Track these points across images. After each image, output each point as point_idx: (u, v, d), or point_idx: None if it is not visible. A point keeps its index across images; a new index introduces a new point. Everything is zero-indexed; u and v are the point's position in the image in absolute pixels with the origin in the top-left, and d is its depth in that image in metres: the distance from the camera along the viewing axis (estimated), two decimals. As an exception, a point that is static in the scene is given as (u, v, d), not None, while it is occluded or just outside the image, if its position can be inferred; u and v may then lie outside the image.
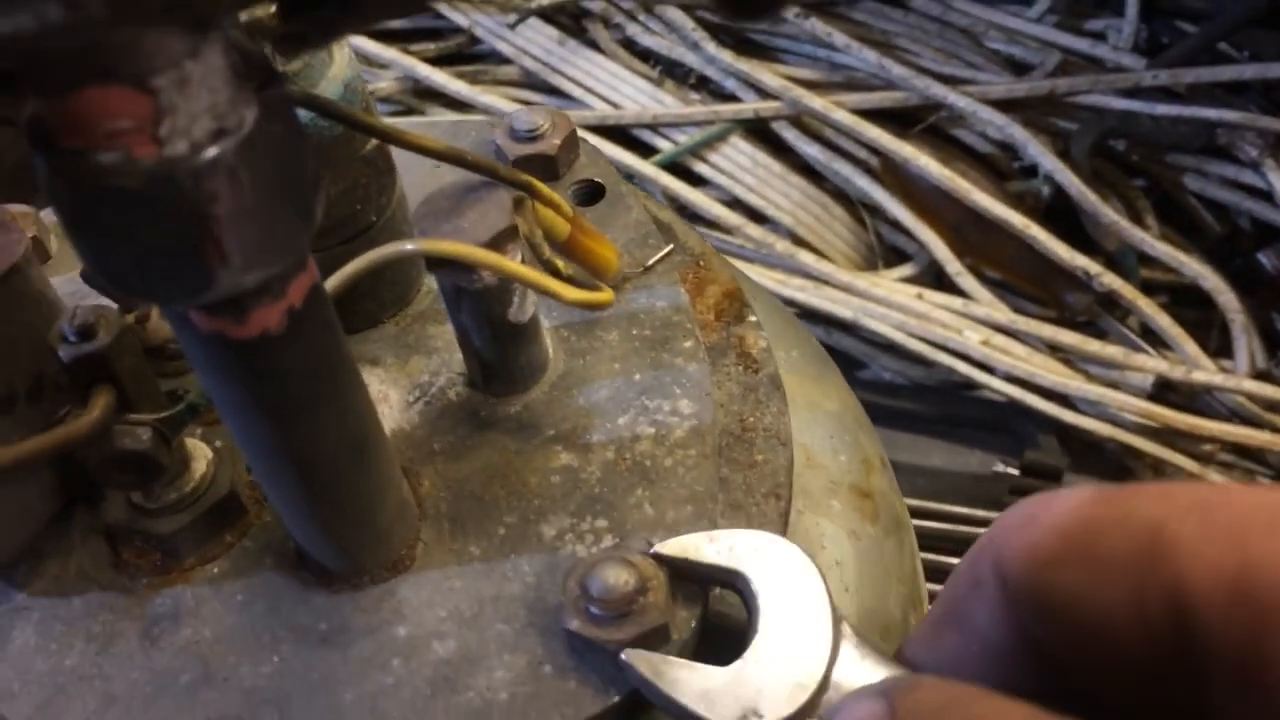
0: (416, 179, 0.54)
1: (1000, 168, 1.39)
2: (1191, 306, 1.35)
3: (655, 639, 0.39)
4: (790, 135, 1.40)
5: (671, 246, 0.53)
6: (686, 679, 0.37)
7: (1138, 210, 1.34)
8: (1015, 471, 1.22)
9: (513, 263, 0.41)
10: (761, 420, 0.49)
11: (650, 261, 0.52)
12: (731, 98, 1.44)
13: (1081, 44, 1.42)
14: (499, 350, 0.46)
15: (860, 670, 0.37)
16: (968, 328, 1.25)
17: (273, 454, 0.37)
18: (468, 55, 1.60)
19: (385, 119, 0.48)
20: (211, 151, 0.28)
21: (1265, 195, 1.31)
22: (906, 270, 1.35)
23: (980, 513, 1.14)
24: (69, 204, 0.29)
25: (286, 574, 0.44)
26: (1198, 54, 1.32)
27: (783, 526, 0.46)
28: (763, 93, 1.42)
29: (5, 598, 0.44)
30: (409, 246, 0.41)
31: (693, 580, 0.40)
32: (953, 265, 1.30)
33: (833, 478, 0.54)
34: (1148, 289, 1.32)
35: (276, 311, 0.33)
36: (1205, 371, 1.22)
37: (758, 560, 0.39)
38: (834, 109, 1.35)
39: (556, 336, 0.50)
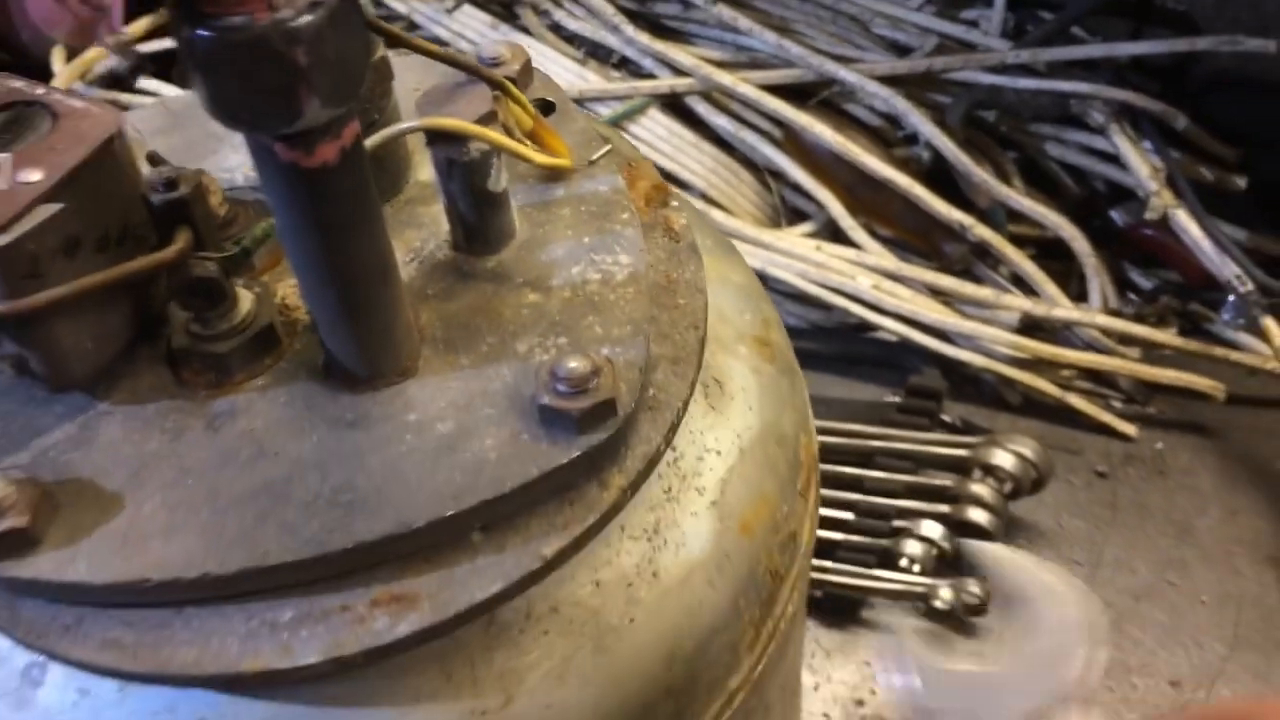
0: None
1: (886, 137, 1.56)
2: (1054, 259, 1.53)
3: (605, 410, 0.53)
4: (702, 109, 1.55)
5: (610, 146, 0.66)
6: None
7: (1006, 173, 1.52)
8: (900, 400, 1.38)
9: (495, 133, 0.54)
10: (683, 275, 0.63)
11: (594, 157, 0.66)
12: (649, 75, 1.59)
13: (956, 29, 1.60)
14: (479, 214, 0.59)
15: None
16: (860, 274, 1.41)
17: (321, 268, 0.50)
18: (403, 38, 1.72)
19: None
20: (308, 18, 0.41)
21: (1115, 160, 1.50)
22: (807, 227, 1.51)
23: (871, 429, 1.30)
24: (203, 56, 0.41)
25: (318, 382, 0.57)
26: (1055, 36, 1.50)
27: (699, 352, 0.60)
28: (677, 71, 1.56)
29: (90, 406, 0.56)
30: (420, 123, 0.54)
31: None
32: (846, 221, 1.46)
33: (739, 330, 0.68)
34: (1016, 243, 1.49)
35: (334, 148, 0.46)
36: (1065, 309, 1.39)
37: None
38: (740, 84, 1.51)
39: (521, 213, 0.63)
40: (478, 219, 0.60)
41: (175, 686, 0.52)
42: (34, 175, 0.50)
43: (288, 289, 0.60)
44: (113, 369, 0.57)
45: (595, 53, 1.61)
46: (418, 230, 0.63)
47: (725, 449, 0.61)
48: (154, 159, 0.57)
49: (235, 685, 0.50)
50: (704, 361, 0.62)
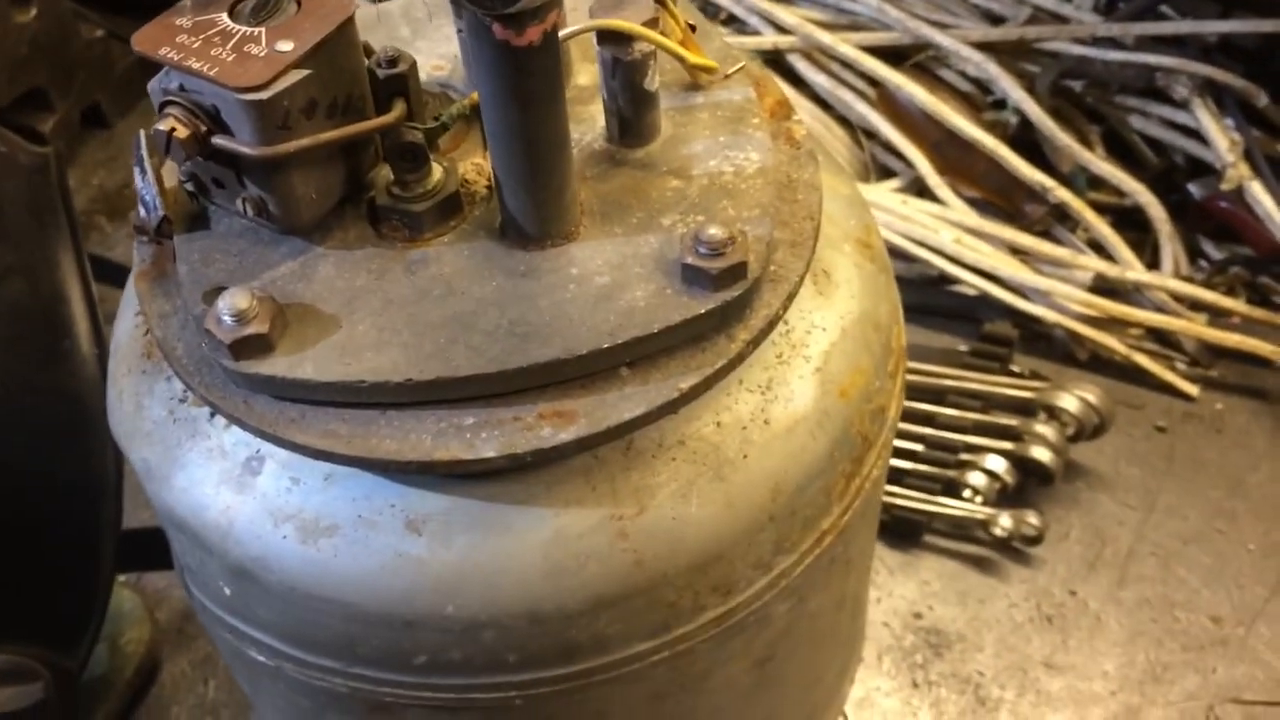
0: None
1: (975, 101, 1.64)
2: (1130, 229, 1.60)
3: (738, 271, 0.63)
4: (802, 66, 1.64)
5: (744, 63, 0.77)
6: None
7: (1089, 142, 1.59)
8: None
9: (658, 34, 0.65)
10: (801, 176, 0.73)
11: (730, 71, 0.76)
12: (754, 33, 1.68)
13: (1049, 2, 1.67)
14: (634, 110, 0.70)
15: None
16: (943, 228, 1.49)
17: (515, 134, 0.61)
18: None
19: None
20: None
21: (1195, 135, 1.56)
22: (895, 183, 1.59)
23: (945, 369, 1.39)
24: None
25: (495, 241, 0.68)
26: (1145, 12, 1.57)
27: (814, 239, 0.70)
28: (780, 29, 1.66)
29: (309, 249, 0.68)
30: (597, 23, 0.64)
31: None
32: (933, 179, 1.55)
33: (845, 232, 0.78)
34: (1094, 210, 1.56)
35: (539, 30, 0.57)
36: (1137, 272, 1.47)
37: None
38: (840, 44, 1.60)
39: (665, 115, 0.74)
40: (632, 114, 0.70)
41: (377, 473, 0.63)
42: (287, 45, 0.61)
43: (468, 166, 0.71)
44: (325, 222, 0.69)
45: (704, 10, 1.71)
46: (577, 125, 0.74)
47: (830, 327, 0.71)
48: (366, 49, 0.69)
49: (426, 471, 0.62)
50: (815, 255, 0.72)
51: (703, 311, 0.63)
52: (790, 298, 0.68)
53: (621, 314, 0.63)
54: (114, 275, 0.78)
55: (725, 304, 0.63)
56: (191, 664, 1.30)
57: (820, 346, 0.70)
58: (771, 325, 0.66)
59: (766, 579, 0.69)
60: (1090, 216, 1.51)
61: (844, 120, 1.65)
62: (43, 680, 1.05)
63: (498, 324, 0.63)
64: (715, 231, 0.63)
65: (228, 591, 0.69)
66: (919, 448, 1.34)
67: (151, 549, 0.91)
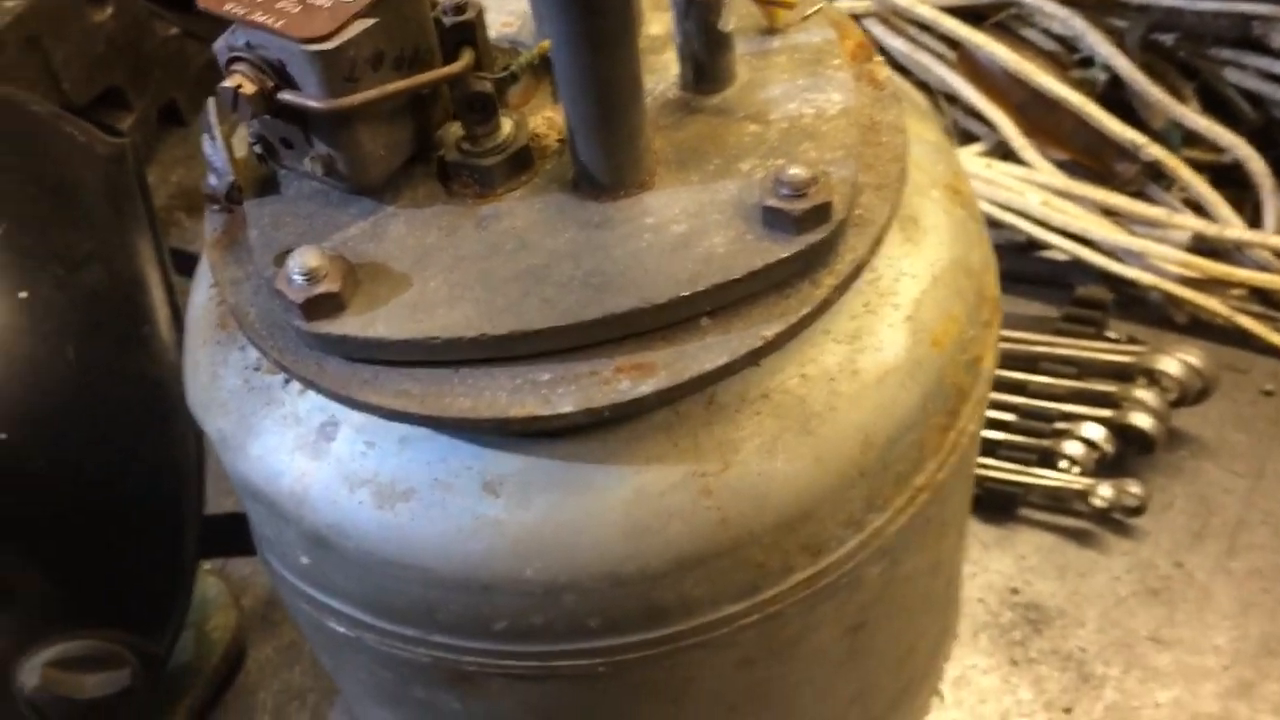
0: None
1: (1061, 60, 1.57)
2: (1229, 186, 1.52)
3: (822, 213, 0.60)
4: (878, 31, 1.59)
5: (823, 4, 0.73)
6: None
7: (1183, 97, 1.52)
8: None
9: (733, -29, 0.62)
10: (885, 118, 0.70)
11: (809, 11, 0.73)
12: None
13: (1137, -46, 1.59)
14: (708, 52, 0.67)
15: None
16: (1030, 191, 1.44)
17: (588, 77, 0.59)
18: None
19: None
20: None
21: (1298, 85, 1.48)
22: (978, 147, 1.54)
23: (1037, 335, 1.34)
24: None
25: (567, 193, 0.65)
26: (1240, -43, 1.49)
27: (900, 181, 0.67)
28: (852, -6, 1.61)
29: (379, 208, 0.66)
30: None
31: None
32: (1018, 141, 1.49)
33: (933, 178, 0.74)
34: (1190, 168, 1.49)
35: (608, -35, 0.54)
36: (1237, 229, 1.40)
37: None
38: (918, 5, 1.55)
39: (741, 60, 0.71)
40: (707, 57, 0.67)
41: (451, 432, 0.62)
42: (351, -2, 0.60)
43: (538, 120, 0.69)
44: (394, 181, 0.67)
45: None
46: (649, 74, 0.71)
47: (919, 274, 0.68)
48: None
49: (502, 429, 0.60)
50: (902, 200, 0.68)
51: (786, 255, 0.60)
52: (878, 242, 0.64)
53: (700, 261, 0.60)
54: (193, 269, 0.78)
55: (809, 247, 0.60)
56: (277, 650, 1.30)
57: (910, 294, 0.67)
58: (858, 271, 0.63)
59: (858, 539, 0.66)
60: (1186, 174, 1.44)
61: (923, 85, 1.60)
62: (129, 666, 1.06)
63: (572, 276, 0.61)
64: (797, 172, 0.60)
65: (305, 560, 0.68)
66: (1012, 418, 1.29)
67: (235, 535, 0.90)
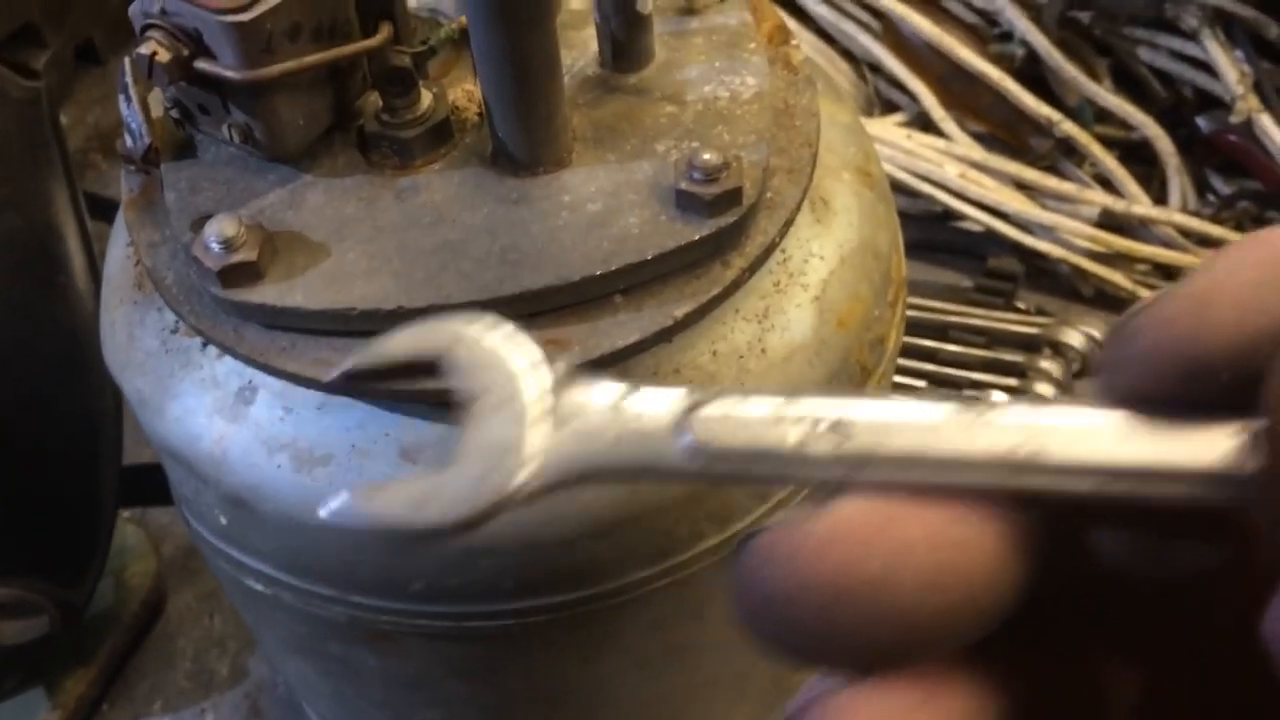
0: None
1: (981, 34, 1.61)
2: (1137, 163, 1.57)
3: (733, 197, 0.62)
4: (804, -2, 1.61)
5: (740, -14, 0.75)
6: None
7: (1096, 74, 1.57)
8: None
9: (652, -45, 0.63)
10: (799, 102, 0.72)
11: (725, -7, 0.74)
12: (754, -36, 1.65)
13: (1061, -70, 1.63)
14: (627, 33, 0.68)
15: None
16: (948, 163, 1.47)
17: (504, 56, 0.60)
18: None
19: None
20: None
21: (1205, 67, 1.53)
22: (899, 117, 1.57)
23: (949, 305, 1.38)
24: None
25: (486, 168, 0.67)
26: (1157, -61, 1.53)
27: (811, 165, 0.69)
28: (782, -40, 1.62)
29: (297, 176, 0.67)
30: (586, -60, 0.63)
31: None
32: (938, 113, 1.52)
33: (844, 160, 0.76)
34: (1101, 144, 1.54)
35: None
36: (1144, 206, 1.45)
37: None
38: (843, -25, 1.57)
39: (659, 40, 0.72)
40: (625, 37, 0.69)
41: (369, 401, 0.63)
42: (272, -32, 0.60)
43: (458, 93, 0.70)
44: (313, 150, 0.68)
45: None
46: (569, 50, 0.72)
47: (828, 255, 0.70)
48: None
49: (420, 399, 0.61)
50: (813, 183, 0.71)
51: (697, 238, 0.62)
52: (787, 225, 0.67)
53: (615, 241, 0.62)
54: (109, 212, 0.77)
55: (720, 230, 0.62)
56: (197, 598, 1.31)
57: (818, 275, 0.70)
58: (768, 253, 0.66)
59: (764, 507, 0.69)
60: (1097, 150, 1.49)
61: (848, 54, 1.62)
62: (48, 614, 1.06)
63: (489, 251, 0.62)
64: (709, 157, 0.62)
65: (224, 521, 0.69)
66: (922, 384, 1.34)
67: (154, 484, 0.91)
